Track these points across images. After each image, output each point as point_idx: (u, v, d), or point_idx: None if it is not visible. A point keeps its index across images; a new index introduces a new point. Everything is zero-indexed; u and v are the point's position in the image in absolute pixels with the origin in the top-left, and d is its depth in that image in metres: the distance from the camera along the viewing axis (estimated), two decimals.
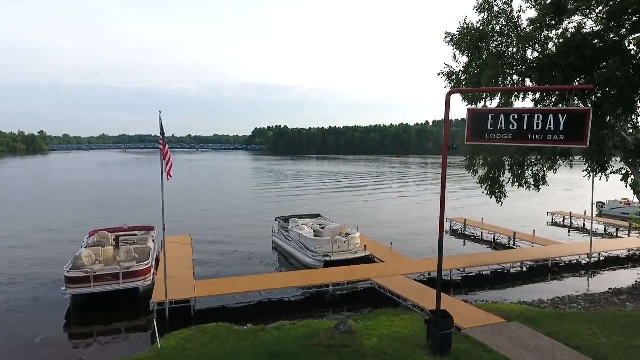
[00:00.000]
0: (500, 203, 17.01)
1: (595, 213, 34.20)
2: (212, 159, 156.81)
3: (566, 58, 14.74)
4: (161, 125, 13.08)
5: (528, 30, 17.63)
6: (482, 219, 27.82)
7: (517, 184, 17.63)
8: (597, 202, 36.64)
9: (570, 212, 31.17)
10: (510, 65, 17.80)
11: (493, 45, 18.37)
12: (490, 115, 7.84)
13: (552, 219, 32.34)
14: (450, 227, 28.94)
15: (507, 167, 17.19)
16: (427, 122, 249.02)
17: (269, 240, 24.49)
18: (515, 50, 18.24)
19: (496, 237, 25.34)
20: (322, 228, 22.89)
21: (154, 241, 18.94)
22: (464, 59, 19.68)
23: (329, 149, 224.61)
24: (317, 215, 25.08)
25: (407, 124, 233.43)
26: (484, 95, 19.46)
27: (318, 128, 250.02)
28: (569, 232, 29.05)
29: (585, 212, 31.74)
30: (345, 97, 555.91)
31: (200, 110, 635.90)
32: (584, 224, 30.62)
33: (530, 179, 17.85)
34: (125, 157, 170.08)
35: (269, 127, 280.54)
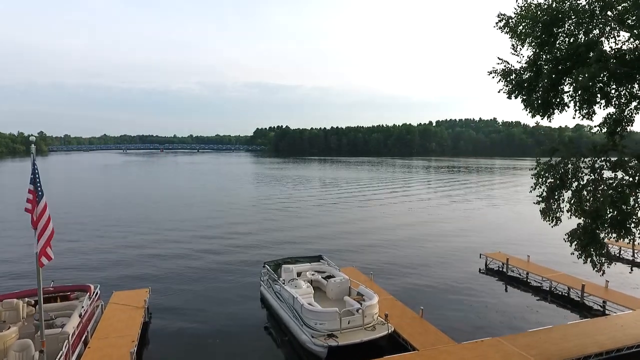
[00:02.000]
0: (602, 272, 11.19)
1: None
2: (212, 161, 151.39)
3: None
4: (34, 165, 7.23)
5: (620, 8, 11.94)
6: (528, 256, 21.94)
7: (621, 239, 11.86)
8: None
9: (633, 244, 25.01)
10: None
11: (581, 29, 12.45)
12: None
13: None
14: (486, 265, 23.04)
15: (613, 213, 11.24)
16: (430, 122, 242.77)
17: (257, 290, 18.69)
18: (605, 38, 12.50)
19: (552, 286, 19.36)
20: (325, 279, 17.16)
21: (80, 315, 12.96)
22: (526, 52, 13.98)
23: (331, 150, 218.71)
24: (318, 258, 19.19)
25: (410, 124, 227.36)
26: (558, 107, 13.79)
27: (320, 128, 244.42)
28: (631, 270, 23.04)
29: None
30: (348, 97, 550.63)
31: (202, 110, 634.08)
32: None
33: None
34: (126, 159, 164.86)
35: (270, 128, 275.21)
